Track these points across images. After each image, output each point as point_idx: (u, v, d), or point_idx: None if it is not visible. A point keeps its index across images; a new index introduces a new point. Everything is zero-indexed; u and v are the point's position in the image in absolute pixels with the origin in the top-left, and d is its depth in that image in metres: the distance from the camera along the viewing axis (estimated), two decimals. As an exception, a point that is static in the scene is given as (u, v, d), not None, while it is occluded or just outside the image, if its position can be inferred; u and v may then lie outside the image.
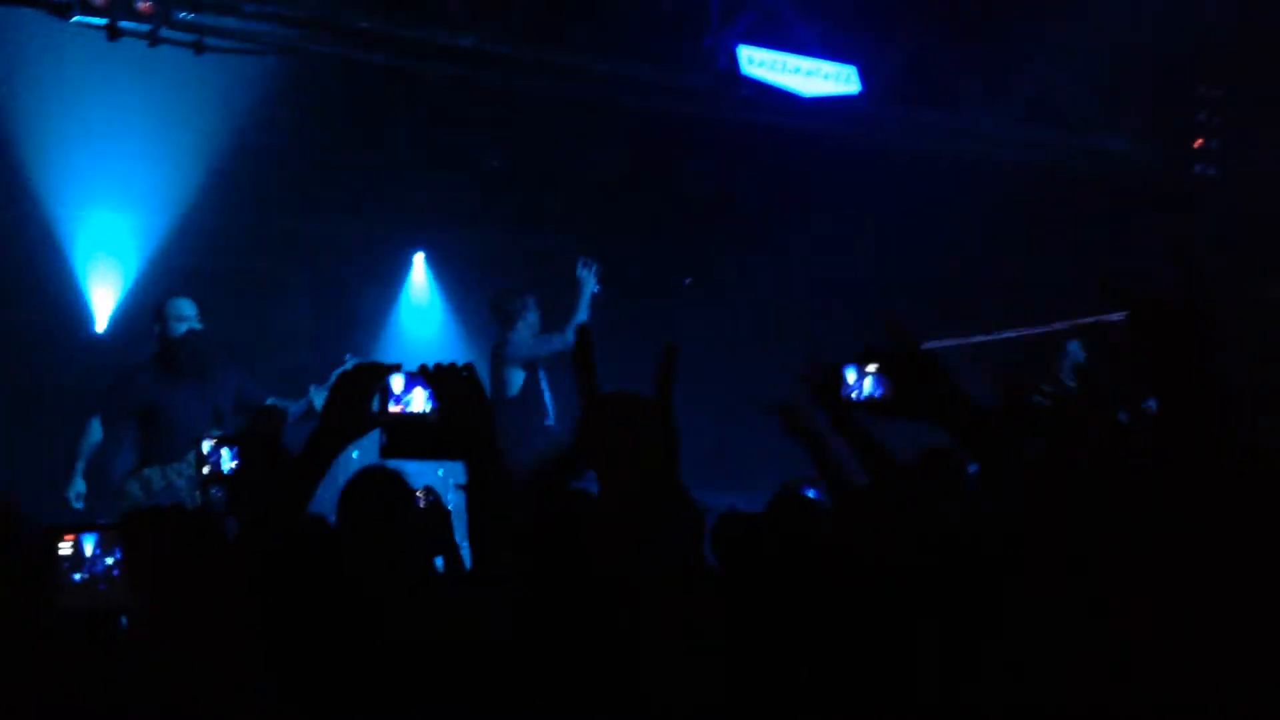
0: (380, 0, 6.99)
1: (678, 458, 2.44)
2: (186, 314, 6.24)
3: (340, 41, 7.07)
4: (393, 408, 2.34)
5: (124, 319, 8.71)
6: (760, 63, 8.00)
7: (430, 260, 10.41)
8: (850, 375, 2.54)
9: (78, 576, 2.44)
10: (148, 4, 6.36)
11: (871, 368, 2.50)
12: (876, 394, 2.52)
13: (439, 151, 8.81)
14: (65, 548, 2.44)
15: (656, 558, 2.28)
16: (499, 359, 7.08)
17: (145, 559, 2.31)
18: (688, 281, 9.91)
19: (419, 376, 2.35)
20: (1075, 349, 7.69)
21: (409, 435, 2.38)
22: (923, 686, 2.07)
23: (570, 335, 6.67)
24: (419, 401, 2.36)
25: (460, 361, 2.34)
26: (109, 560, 2.46)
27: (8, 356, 8.25)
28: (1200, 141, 9.23)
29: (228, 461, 3.83)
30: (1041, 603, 1.94)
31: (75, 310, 8.76)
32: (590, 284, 7.09)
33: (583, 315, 7.00)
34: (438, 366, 2.31)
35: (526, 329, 7.15)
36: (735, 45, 7.94)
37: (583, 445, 2.52)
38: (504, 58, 7.34)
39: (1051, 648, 1.89)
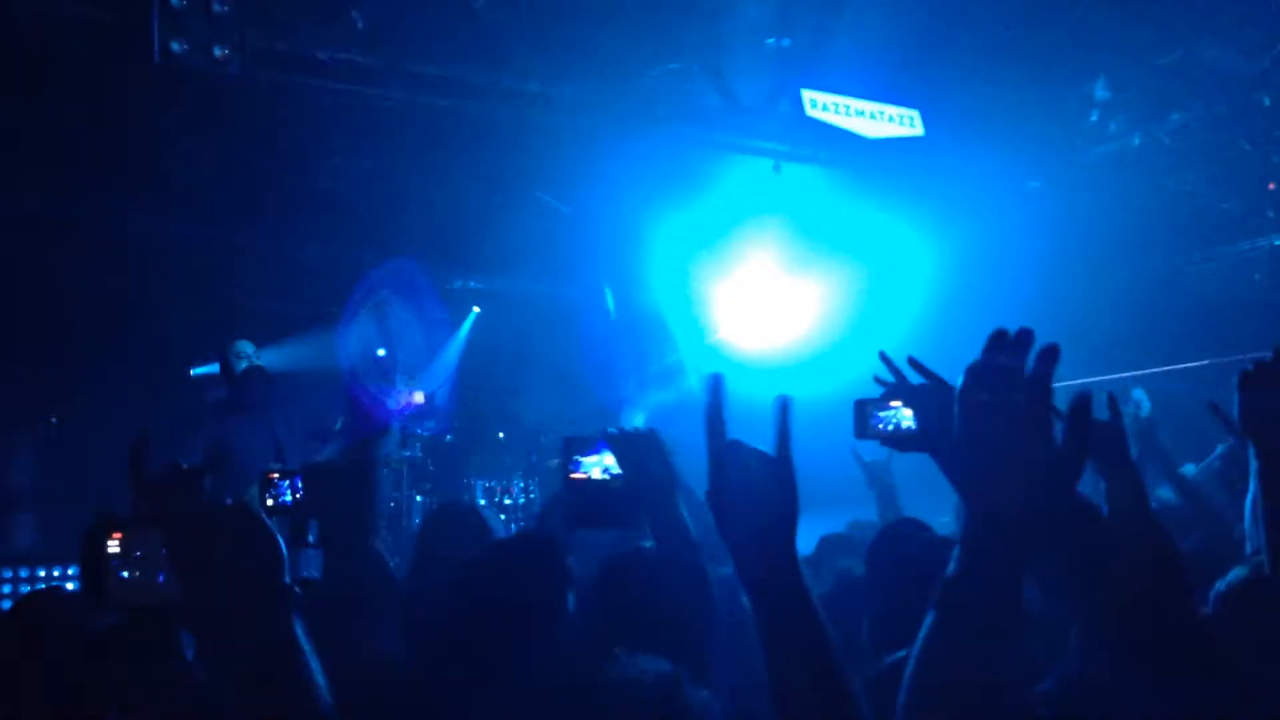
0: (448, 47, 7.14)
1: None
2: (246, 353, 6.62)
3: (411, 86, 7.22)
4: (574, 475, 2.34)
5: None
6: (823, 106, 8.03)
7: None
8: (877, 409, 2.51)
9: (126, 574, 2.47)
10: (226, 51, 6.56)
11: (896, 403, 2.48)
12: (907, 428, 2.49)
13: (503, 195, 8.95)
14: (114, 545, 2.47)
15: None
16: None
17: (193, 556, 2.32)
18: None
19: (600, 442, 2.35)
20: (1140, 397, 7.40)
21: (594, 504, 2.37)
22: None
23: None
24: (597, 469, 2.36)
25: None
26: (157, 557, 2.48)
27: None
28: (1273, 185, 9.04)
29: (287, 494, 3.87)
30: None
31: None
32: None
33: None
34: (622, 433, 2.30)
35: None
36: (798, 89, 7.99)
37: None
38: (569, 101, 7.44)
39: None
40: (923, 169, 8.61)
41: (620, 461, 2.25)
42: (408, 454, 8.75)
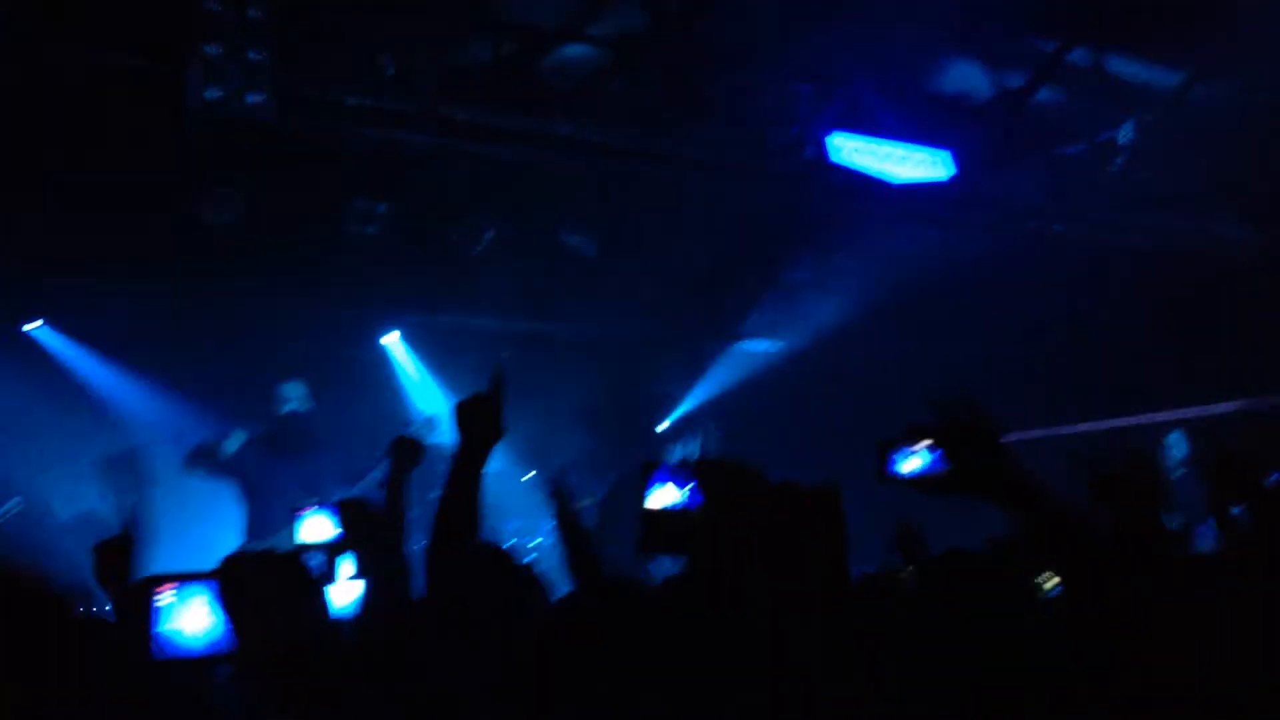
0: (476, 91, 7.17)
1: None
2: (293, 395, 6.61)
3: (439, 132, 7.25)
4: (650, 503, 2.32)
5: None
6: (850, 150, 8.02)
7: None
8: (899, 452, 2.42)
9: (175, 626, 2.43)
10: (259, 98, 6.60)
11: (924, 443, 2.38)
12: (932, 470, 2.38)
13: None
14: (163, 598, 2.44)
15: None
16: None
17: (243, 606, 2.29)
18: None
19: (677, 471, 2.33)
20: (1177, 440, 7.27)
21: (668, 529, 2.35)
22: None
23: None
24: (669, 495, 2.33)
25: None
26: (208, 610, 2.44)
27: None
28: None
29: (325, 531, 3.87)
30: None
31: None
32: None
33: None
34: (705, 462, 2.29)
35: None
36: (823, 133, 7.99)
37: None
38: (598, 145, 7.46)
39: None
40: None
41: (705, 489, 2.21)
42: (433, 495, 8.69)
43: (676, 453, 7.73)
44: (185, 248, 8.01)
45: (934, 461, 2.30)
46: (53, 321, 8.67)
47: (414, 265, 9.06)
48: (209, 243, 7.84)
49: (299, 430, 6.61)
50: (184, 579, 2.43)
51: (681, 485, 2.36)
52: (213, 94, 5.97)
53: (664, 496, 2.32)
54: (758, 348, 10.89)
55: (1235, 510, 4.02)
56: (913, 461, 2.36)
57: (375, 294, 9.44)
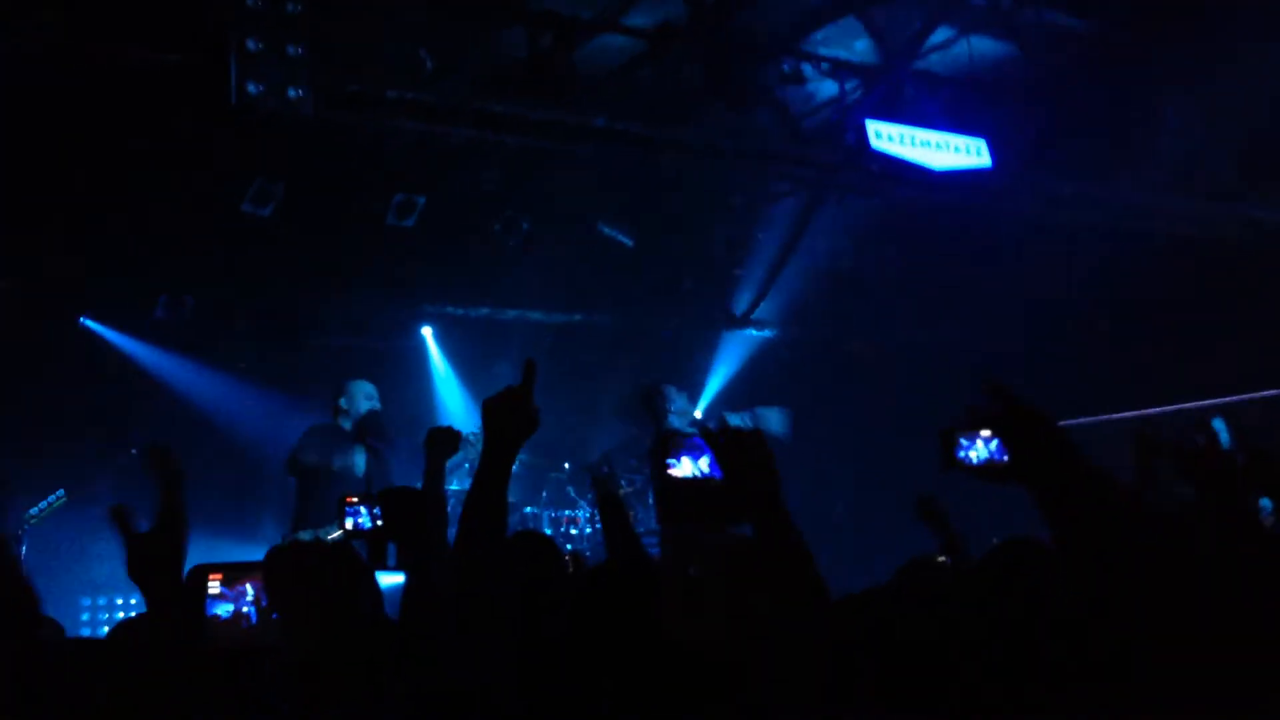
0: (513, 84, 7.18)
1: None
2: (371, 394, 6.74)
3: (476, 125, 7.26)
4: (673, 471, 2.30)
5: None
6: (889, 137, 7.97)
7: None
8: (964, 440, 2.38)
9: (225, 614, 2.46)
10: (299, 92, 6.64)
11: (985, 432, 2.34)
12: (996, 458, 2.34)
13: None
14: (214, 586, 2.47)
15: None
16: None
17: (288, 594, 2.32)
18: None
19: (696, 443, 2.32)
20: (1220, 426, 7.19)
21: (692, 500, 2.34)
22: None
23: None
24: (688, 466, 2.33)
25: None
26: (255, 598, 2.48)
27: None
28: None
29: (368, 520, 3.89)
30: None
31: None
32: None
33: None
34: (724, 431, 2.25)
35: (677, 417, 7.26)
36: (863, 121, 7.94)
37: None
38: (635, 136, 7.45)
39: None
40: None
41: (721, 461, 2.18)
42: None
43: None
44: (227, 239, 8.10)
45: (998, 450, 2.27)
46: (103, 314, 8.80)
47: (454, 257, 9.11)
48: (250, 235, 7.92)
49: (378, 426, 6.77)
50: (232, 569, 2.46)
51: (697, 458, 2.34)
52: (254, 89, 6.02)
53: (685, 468, 2.30)
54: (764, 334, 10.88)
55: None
56: (978, 450, 2.33)
57: (413, 286, 9.50)
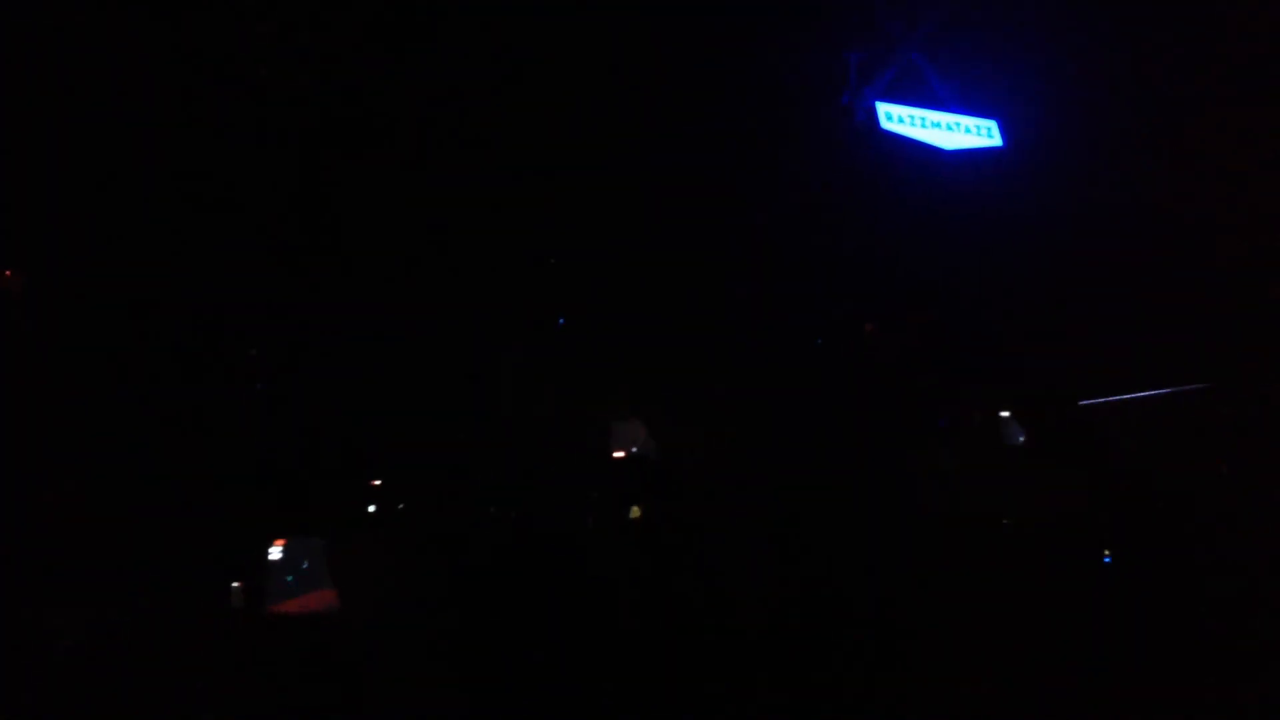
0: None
1: None
2: None
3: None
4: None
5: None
6: (899, 118, 8.04)
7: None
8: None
9: (290, 579, 2.57)
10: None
11: (1006, 414, 2.44)
12: (1017, 441, 2.45)
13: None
14: (276, 552, 2.58)
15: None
16: None
17: (352, 562, 2.42)
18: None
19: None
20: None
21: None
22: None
23: None
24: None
25: None
26: (315, 565, 2.58)
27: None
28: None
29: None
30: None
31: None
32: None
33: None
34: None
35: None
36: (874, 101, 8.01)
37: None
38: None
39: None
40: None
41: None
42: None
43: None
44: None
45: (1018, 434, 2.38)
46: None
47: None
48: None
49: None
50: (295, 538, 2.56)
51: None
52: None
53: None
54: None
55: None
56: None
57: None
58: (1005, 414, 2.39)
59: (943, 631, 2.35)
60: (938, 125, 8.13)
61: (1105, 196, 9.00)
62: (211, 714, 2.27)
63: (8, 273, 6.72)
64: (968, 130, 8.19)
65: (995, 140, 8.25)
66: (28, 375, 5.84)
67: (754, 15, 7.60)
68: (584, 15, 7.18)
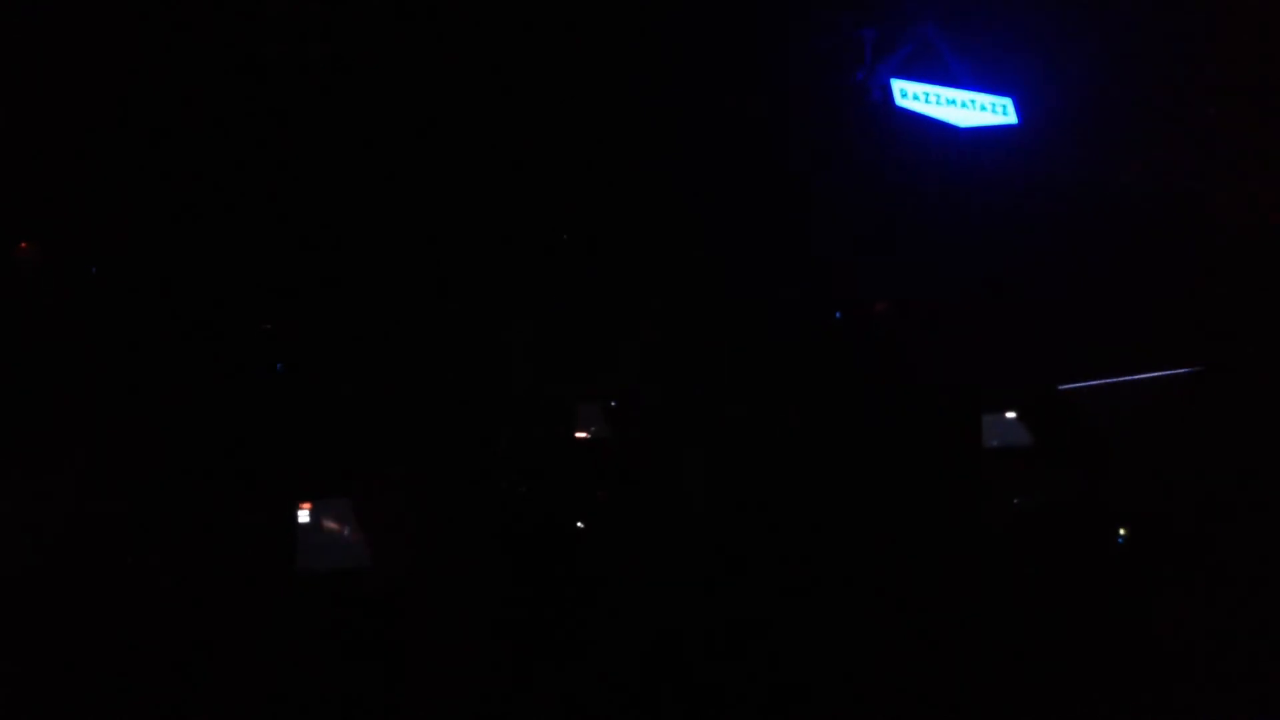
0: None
1: None
2: None
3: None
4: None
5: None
6: (914, 95, 8.02)
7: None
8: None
9: (314, 540, 2.59)
10: None
11: (1010, 414, 2.45)
12: (1017, 439, 2.45)
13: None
14: (304, 514, 2.60)
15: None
16: None
17: (379, 522, 2.44)
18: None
19: None
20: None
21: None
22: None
23: None
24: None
25: None
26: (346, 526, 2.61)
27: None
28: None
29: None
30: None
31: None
32: None
33: None
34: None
35: None
36: (889, 79, 7.99)
37: None
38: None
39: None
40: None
41: None
42: None
43: None
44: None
45: (1018, 431, 2.39)
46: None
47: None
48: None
49: None
50: (321, 498, 2.58)
51: None
52: None
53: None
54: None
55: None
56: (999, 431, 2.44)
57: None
58: (1006, 410, 2.37)
59: (943, 632, 2.36)
60: (953, 102, 8.11)
61: (1120, 177, 8.97)
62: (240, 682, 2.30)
63: (23, 244, 6.75)
64: (983, 107, 8.17)
65: (1010, 118, 8.23)
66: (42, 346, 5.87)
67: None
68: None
